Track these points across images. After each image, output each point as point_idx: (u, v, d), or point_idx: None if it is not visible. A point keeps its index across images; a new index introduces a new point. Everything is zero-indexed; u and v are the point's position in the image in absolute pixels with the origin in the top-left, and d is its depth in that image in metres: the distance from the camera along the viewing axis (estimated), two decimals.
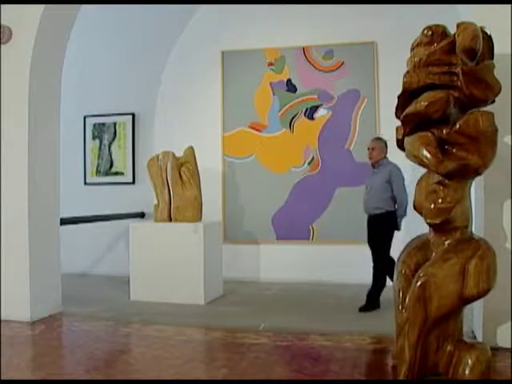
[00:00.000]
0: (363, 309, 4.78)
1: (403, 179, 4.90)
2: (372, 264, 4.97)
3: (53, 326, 4.31)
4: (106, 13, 6.79)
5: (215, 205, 6.49)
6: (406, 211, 4.84)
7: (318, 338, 3.85)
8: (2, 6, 4.45)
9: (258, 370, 3.19)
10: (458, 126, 2.80)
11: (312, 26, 6.39)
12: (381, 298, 4.82)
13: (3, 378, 2.99)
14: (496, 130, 2.79)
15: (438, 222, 2.84)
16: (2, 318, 4.32)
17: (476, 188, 3.69)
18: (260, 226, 6.46)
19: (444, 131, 2.84)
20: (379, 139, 5.08)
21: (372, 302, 4.82)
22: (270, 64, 6.54)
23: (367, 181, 5.18)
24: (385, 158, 4.98)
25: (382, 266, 4.85)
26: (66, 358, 3.63)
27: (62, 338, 4.16)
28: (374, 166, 5.04)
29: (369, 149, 5.03)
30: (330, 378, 3.03)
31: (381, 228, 4.90)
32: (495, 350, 3.28)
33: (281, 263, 6.36)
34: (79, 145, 7.16)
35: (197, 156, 5.55)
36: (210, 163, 6.32)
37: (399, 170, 4.92)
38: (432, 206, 2.85)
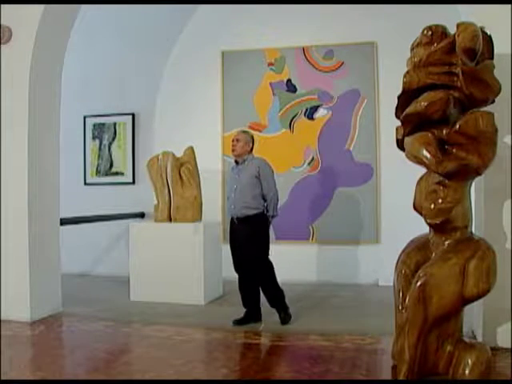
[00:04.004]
0: (284, 321, 4.32)
1: (273, 174, 4.51)
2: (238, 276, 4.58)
3: (53, 326, 4.31)
4: (106, 13, 6.81)
5: (215, 205, 6.49)
6: (277, 210, 4.49)
7: (317, 338, 3.85)
8: (2, 5, 4.46)
9: (258, 369, 3.19)
10: (457, 126, 2.80)
11: (312, 26, 6.39)
12: (380, 298, 4.79)
13: (3, 378, 2.99)
14: (496, 130, 2.79)
15: (438, 222, 2.85)
16: (1, 318, 4.33)
17: (476, 188, 3.69)
18: None
19: (444, 131, 2.84)
20: (245, 132, 4.69)
21: (285, 310, 4.41)
22: (270, 64, 6.53)
23: (231, 179, 4.64)
24: (250, 152, 4.54)
25: (267, 270, 4.50)
26: (66, 358, 3.63)
27: (62, 338, 4.16)
28: (237, 162, 4.57)
29: (233, 140, 4.54)
30: (329, 377, 3.03)
31: (253, 231, 4.39)
32: (495, 350, 3.29)
33: (280, 263, 6.30)
34: (79, 145, 7.16)
35: (197, 156, 5.56)
36: (209, 163, 6.32)
37: (268, 165, 4.53)
38: (432, 206, 2.85)
